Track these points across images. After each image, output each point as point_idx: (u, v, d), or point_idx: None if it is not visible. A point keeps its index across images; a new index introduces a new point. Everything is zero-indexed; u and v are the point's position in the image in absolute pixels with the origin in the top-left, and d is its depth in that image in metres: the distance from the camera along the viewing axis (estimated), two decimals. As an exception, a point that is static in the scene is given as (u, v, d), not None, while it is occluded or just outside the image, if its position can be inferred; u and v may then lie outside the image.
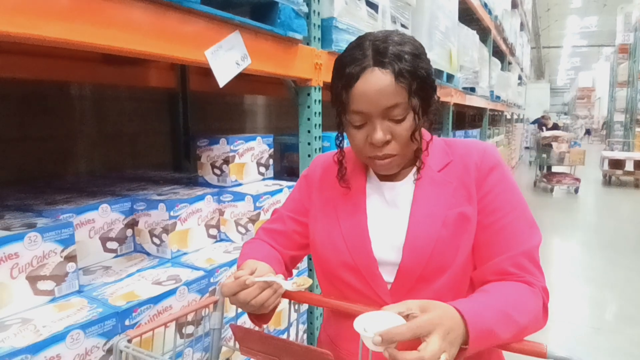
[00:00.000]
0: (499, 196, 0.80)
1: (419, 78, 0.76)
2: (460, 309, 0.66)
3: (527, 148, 14.23)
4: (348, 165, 0.91)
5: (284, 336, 1.48)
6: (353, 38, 1.71)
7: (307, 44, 1.56)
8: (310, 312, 1.70)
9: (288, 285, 0.81)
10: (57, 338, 0.86)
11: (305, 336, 1.69)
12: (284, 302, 1.49)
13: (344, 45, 1.68)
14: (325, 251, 0.87)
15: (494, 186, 0.81)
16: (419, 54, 0.78)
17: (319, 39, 1.60)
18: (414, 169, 0.86)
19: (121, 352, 0.78)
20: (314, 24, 1.57)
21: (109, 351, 0.95)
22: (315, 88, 1.60)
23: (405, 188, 0.85)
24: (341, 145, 0.90)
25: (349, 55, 0.79)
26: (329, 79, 1.62)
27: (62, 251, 1.03)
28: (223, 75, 1.16)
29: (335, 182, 0.91)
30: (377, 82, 0.74)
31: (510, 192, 0.81)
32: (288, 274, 1.01)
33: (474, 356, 0.68)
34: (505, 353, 0.78)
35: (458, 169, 0.83)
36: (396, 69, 0.74)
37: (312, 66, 1.56)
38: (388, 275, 0.81)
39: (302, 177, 1.01)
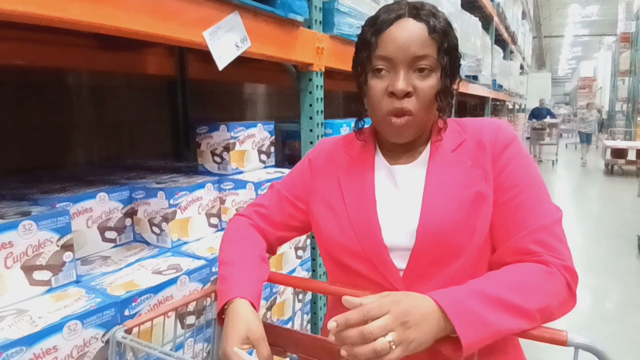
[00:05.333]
0: (515, 172, 0.76)
1: (450, 43, 0.76)
2: (434, 297, 0.64)
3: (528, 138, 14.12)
4: (356, 148, 0.88)
5: (288, 326, 1.46)
6: (356, 22, 1.70)
7: (309, 27, 1.51)
8: (313, 302, 1.68)
9: None
10: (54, 329, 0.83)
11: (309, 326, 1.67)
12: (288, 292, 1.48)
13: (346, 29, 1.65)
14: (333, 239, 0.83)
15: (509, 162, 0.77)
16: (450, 24, 0.78)
17: (320, 22, 1.56)
18: (425, 151, 0.82)
19: (119, 343, 0.75)
20: (315, 6, 1.53)
21: (109, 342, 0.92)
22: (317, 73, 1.56)
23: (416, 171, 0.81)
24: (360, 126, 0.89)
25: (384, 7, 0.80)
26: (331, 63, 1.61)
27: (59, 240, 1.00)
28: (222, 58, 1.12)
29: (341, 167, 0.87)
30: (410, 29, 0.74)
31: (527, 168, 0.77)
32: (272, 254, 0.99)
33: (486, 348, 0.65)
34: (524, 342, 0.74)
35: (472, 148, 0.79)
36: (431, 23, 0.74)
37: (314, 50, 1.52)
38: (400, 262, 0.77)
39: (306, 160, 0.97)
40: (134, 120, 2.12)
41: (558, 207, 0.76)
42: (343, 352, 0.61)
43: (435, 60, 0.75)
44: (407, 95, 0.74)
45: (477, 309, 0.63)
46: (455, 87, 0.80)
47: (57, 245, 1.00)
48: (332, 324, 0.61)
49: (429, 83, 0.75)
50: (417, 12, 0.76)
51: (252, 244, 0.90)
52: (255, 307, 0.78)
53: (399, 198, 0.80)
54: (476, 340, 0.62)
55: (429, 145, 0.83)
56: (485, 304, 0.64)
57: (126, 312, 0.95)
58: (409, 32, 0.74)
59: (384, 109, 0.76)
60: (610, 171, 9.05)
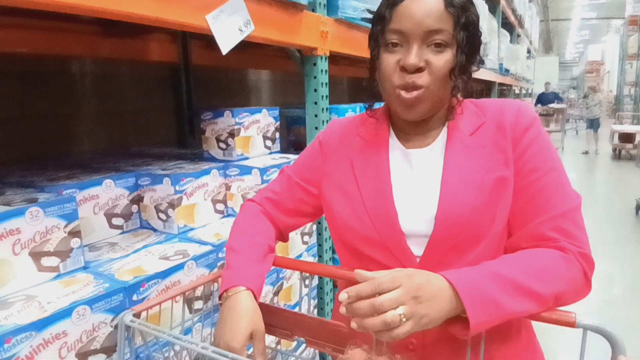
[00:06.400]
0: (536, 155, 0.74)
1: (469, 18, 0.73)
2: (447, 276, 0.63)
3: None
4: (369, 129, 0.86)
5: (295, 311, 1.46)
6: (360, 5, 1.67)
7: (313, 10, 1.49)
8: (320, 287, 1.68)
9: None
10: (63, 314, 0.83)
11: (315, 311, 1.68)
12: (295, 277, 1.48)
13: (350, 12, 1.62)
14: (347, 225, 0.81)
15: (530, 145, 0.74)
16: (471, 0, 0.75)
17: (324, 5, 1.54)
18: (442, 134, 0.80)
19: (128, 327, 0.76)
20: (319, -11, 1.50)
21: (117, 327, 0.93)
22: (321, 57, 1.54)
23: (433, 155, 0.79)
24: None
25: None
26: (335, 47, 1.59)
27: (66, 226, 1.00)
28: (226, 42, 1.10)
29: (354, 149, 0.85)
30: (425, 2, 0.72)
31: (547, 151, 0.75)
32: (284, 241, 0.98)
33: (500, 331, 0.65)
34: (536, 324, 0.74)
35: (491, 131, 0.77)
36: None
37: (318, 34, 1.50)
38: (417, 248, 0.75)
39: (316, 142, 0.95)
40: (138, 107, 2.11)
41: (577, 193, 0.74)
42: (353, 324, 0.61)
43: (451, 35, 0.72)
44: (419, 70, 0.72)
45: (490, 290, 0.63)
46: (474, 67, 0.77)
47: (65, 232, 1.00)
48: (343, 296, 0.60)
49: (444, 58, 0.72)
50: None
51: (261, 233, 0.89)
52: (256, 298, 0.78)
53: (416, 182, 0.78)
54: (485, 320, 0.62)
55: (445, 128, 0.80)
56: (498, 285, 0.63)
57: (134, 297, 0.96)
58: (424, 5, 0.71)
59: (394, 83, 0.73)
60: (617, 156, 8.97)
